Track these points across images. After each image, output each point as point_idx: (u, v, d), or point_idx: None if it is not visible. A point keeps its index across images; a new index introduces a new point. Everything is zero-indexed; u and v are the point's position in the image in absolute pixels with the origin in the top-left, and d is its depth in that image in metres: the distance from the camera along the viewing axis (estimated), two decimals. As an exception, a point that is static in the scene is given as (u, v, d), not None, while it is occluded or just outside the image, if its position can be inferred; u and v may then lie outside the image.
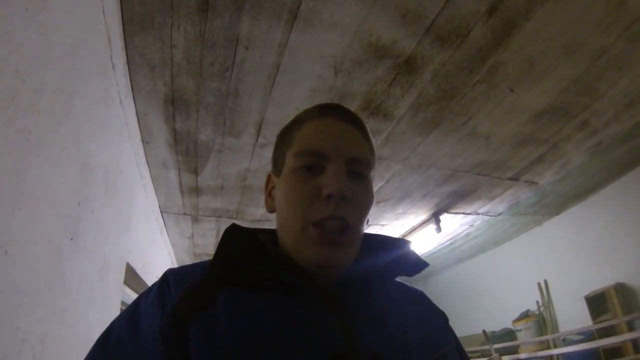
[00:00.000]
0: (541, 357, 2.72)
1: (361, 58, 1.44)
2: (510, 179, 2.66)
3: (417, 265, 0.54)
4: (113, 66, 1.17)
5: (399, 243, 0.56)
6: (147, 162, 1.92)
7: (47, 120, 0.75)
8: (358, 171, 0.49)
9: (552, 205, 3.29)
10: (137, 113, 1.56)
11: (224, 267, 0.48)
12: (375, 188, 2.21)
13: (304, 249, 0.47)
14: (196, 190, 2.32)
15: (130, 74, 1.35)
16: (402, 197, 2.72)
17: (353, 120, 0.52)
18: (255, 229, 0.56)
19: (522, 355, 2.69)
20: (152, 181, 2.11)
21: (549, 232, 3.61)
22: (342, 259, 0.47)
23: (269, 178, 0.57)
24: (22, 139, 0.66)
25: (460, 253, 4.44)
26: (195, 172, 2.10)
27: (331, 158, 0.47)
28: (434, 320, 0.57)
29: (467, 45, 1.46)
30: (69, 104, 0.85)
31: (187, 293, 0.46)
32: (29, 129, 0.68)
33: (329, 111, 0.52)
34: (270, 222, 2.93)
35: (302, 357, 0.42)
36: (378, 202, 2.76)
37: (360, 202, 0.48)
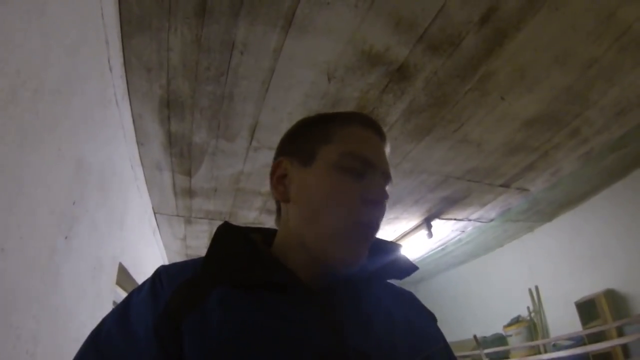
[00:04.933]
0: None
1: (354, 65, 1.47)
2: (501, 185, 2.70)
3: (407, 268, 0.56)
4: (110, 68, 1.19)
5: (390, 246, 0.58)
6: (142, 163, 1.93)
7: (46, 120, 0.76)
8: (386, 185, 0.54)
9: (544, 212, 3.34)
10: (132, 115, 1.57)
11: (216, 265, 0.49)
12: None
13: (341, 246, 0.49)
14: (189, 192, 2.33)
15: (126, 75, 1.36)
16: (394, 203, 2.75)
17: (386, 141, 0.58)
18: (247, 228, 0.57)
19: (512, 361, 2.71)
20: (146, 182, 2.12)
21: (541, 238, 3.65)
22: (365, 255, 0.51)
23: (279, 164, 0.56)
24: (21, 138, 0.68)
25: (451, 258, 4.47)
26: (189, 174, 2.11)
27: (375, 168, 0.52)
28: (422, 320, 0.58)
29: (459, 54, 1.50)
30: (67, 105, 0.87)
31: (180, 289, 0.47)
32: (28, 128, 0.70)
33: (370, 123, 0.56)
34: (263, 225, 2.94)
35: (290, 356, 0.43)
36: (371, 207, 2.78)
37: (385, 209, 0.54)
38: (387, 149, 0.57)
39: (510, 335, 3.44)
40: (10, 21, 0.60)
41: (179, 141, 1.81)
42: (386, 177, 0.54)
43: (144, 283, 0.50)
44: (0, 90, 0.57)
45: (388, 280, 0.59)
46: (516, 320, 3.54)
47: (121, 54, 1.26)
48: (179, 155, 1.93)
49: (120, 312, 0.47)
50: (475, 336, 3.08)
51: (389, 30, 1.34)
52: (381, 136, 0.56)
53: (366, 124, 0.56)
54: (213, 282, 0.47)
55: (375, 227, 0.52)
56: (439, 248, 3.98)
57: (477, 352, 3.02)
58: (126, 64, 1.32)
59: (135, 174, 1.86)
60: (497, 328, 3.79)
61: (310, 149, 0.53)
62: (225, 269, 0.49)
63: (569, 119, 2.07)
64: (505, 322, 3.64)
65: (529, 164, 2.46)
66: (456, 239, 3.71)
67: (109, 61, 1.16)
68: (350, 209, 0.49)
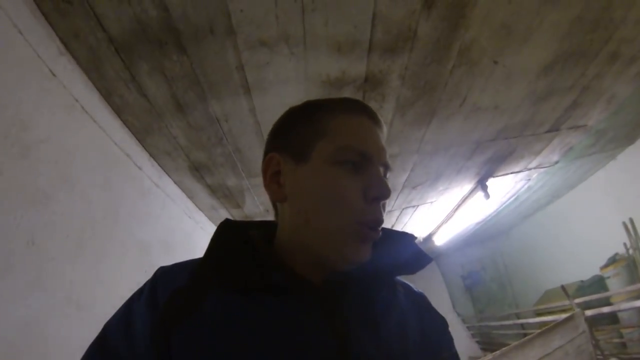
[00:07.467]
0: (632, 308, 2.47)
1: (323, 95, 1.60)
2: (548, 131, 2.49)
3: (420, 261, 0.53)
4: (140, 167, 1.58)
5: (401, 238, 0.55)
6: (199, 209, 2.38)
7: (108, 242, 1.17)
8: (385, 175, 0.52)
9: (619, 137, 2.92)
10: (175, 182, 1.99)
11: (212, 268, 0.48)
12: (402, 178, 2.31)
13: (343, 246, 0.46)
14: (247, 219, 2.74)
15: (157, 163, 1.75)
16: (437, 178, 2.75)
17: (381, 125, 0.54)
18: (248, 223, 0.56)
19: (606, 309, 2.48)
20: (210, 221, 2.58)
21: (626, 164, 3.16)
22: (369, 254, 0.48)
23: (270, 160, 0.53)
24: (95, 261, 1.09)
25: (531, 204, 4.13)
26: (239, 206, 2.50)
27: (373, 160, 0.49)
28: (434, 324, 0.56)
29: (421, 43, 1.46)
30: (116, 218, 1.27)
31: (173, 297, 0.45)
32: (98, 254, 1.10)
33: (362, 108, 0.53)
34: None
35: None
36: (415, 187, 2.84)
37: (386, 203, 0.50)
38: (384, 132, 0.54)
39: (609, 277, 3.13)
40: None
41: (219, 188, 2.19)
42: (385, 167, 0.51)
43: (144, 286, 0.49)
44: (76, 239, 0.95)
45: (401, 279, 0.58)
46: (613, 260, 3.19)
47: (144, 152, 1.64)
48: (224, 197, 2.32)
49: (123, 317, 0.47)
50: (562, 286, 2.91)
51: (334, 57, 1.42)
52: (374, 120, 0.53)
53: (358, 110, 0.52)
54: (209, 287, 0.46)
55: (380, 225, 0.48)
56: (511, 199, 3.77)
57: (567, 302, 2.86)
58: (152, 156, 1.70)
59: (195, 220, 2.31)
60: (595, 270, 3.47)
61: (304, 143, 0.50)
62: (221, 272, 0.47)
63: (597, 46, 1.82)
64: (602, 263, 3.31)
65: (570, 103, 2.23)
66: (525, 187, 3.48)
67: (135, 164, 1.54)
68: (352, 207, 0.46)
